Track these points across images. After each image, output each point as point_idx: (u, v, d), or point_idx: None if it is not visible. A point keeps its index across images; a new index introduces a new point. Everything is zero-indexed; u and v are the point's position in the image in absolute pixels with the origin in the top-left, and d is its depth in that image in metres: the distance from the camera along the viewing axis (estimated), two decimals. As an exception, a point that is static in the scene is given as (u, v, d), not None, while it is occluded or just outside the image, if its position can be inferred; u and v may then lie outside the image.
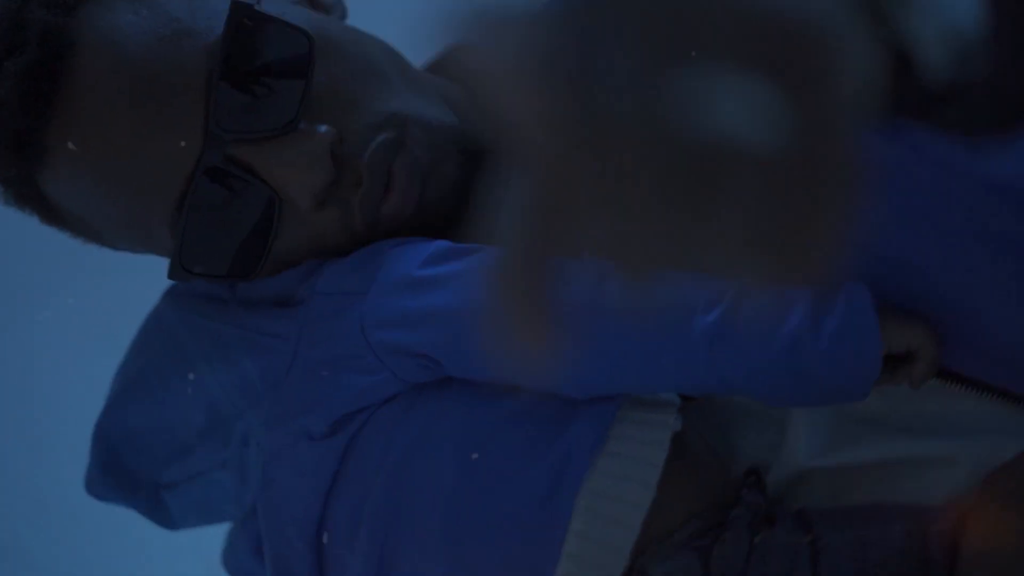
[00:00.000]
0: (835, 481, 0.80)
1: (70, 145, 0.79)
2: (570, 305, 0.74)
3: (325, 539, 0.80)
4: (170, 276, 0.82)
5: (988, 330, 0.74)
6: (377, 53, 0.85)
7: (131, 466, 0.86)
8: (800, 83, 0.35)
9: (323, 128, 0.79)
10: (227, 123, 0.78)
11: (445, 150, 0.83)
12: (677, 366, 0.74)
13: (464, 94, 0.90)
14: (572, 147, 0.35)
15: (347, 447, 0.78)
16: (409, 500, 0.77)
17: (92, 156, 0.79)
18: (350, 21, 0.92)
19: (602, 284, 0.74)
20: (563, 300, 0.74)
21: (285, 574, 0.81)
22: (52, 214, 0.85)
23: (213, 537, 0.89)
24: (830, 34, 0.36)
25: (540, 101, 0.35)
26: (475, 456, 0.76)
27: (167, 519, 0.87)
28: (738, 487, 0.80)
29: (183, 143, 0.78)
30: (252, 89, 0.79)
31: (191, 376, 0.83)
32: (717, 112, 0.35)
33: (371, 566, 0.78)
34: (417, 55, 0.93)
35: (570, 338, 0.73)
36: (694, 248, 0.36)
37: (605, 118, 0.35)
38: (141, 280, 0.88)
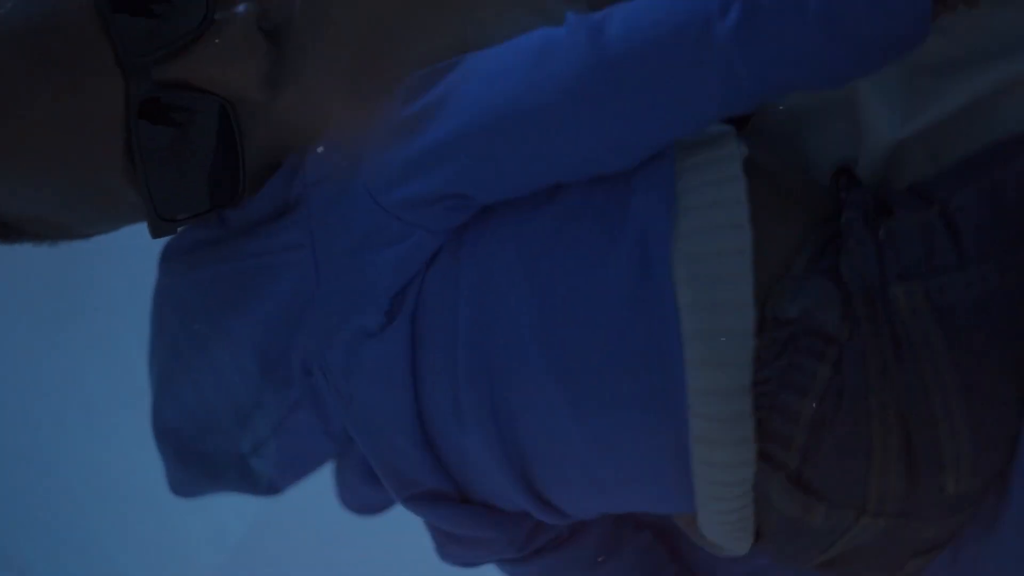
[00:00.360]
0: (932, 142, 0.73)
1: None
2: (575, 70, 0.66)
3: (430, 433, 0.73)
4: (154, 235, 0.74)
5: None
6: None
7: (206, 449, 0.79)
8: None
9: (241, 8, 0.71)
10: (139, 48, 0.70)
11: None
12: (713, 86, 0.66)
13: None
14: None
15: (412, 325, 0.71)
16: (500, 341, 0.70)
17: (17, 148, 0.72)
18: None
19: (598, 36, 0.67)
20: (566, 68, 0.66)
21: (406, 486, 0.74)
22: (4, 230, 0.77)
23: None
24: None
25: None
26: (547, 264, 0.69)
27: (266, 486, 0.80)
28: (834, 192, 0.72)
29: (102, 87, 0.70)
30: (149, 5, 0.71)
31: (223, 331, 0.75)
32: None
33: (488, 431, 0.71)
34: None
35: (588, 105, 0.66)
36: None
37: None
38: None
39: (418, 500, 0.75)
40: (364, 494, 0.78)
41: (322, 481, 0.83)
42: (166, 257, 0.77)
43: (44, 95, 0.70)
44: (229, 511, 1.94)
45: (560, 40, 0.68)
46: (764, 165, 0.72)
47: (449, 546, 0.79)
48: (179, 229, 0.75)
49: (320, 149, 0.72)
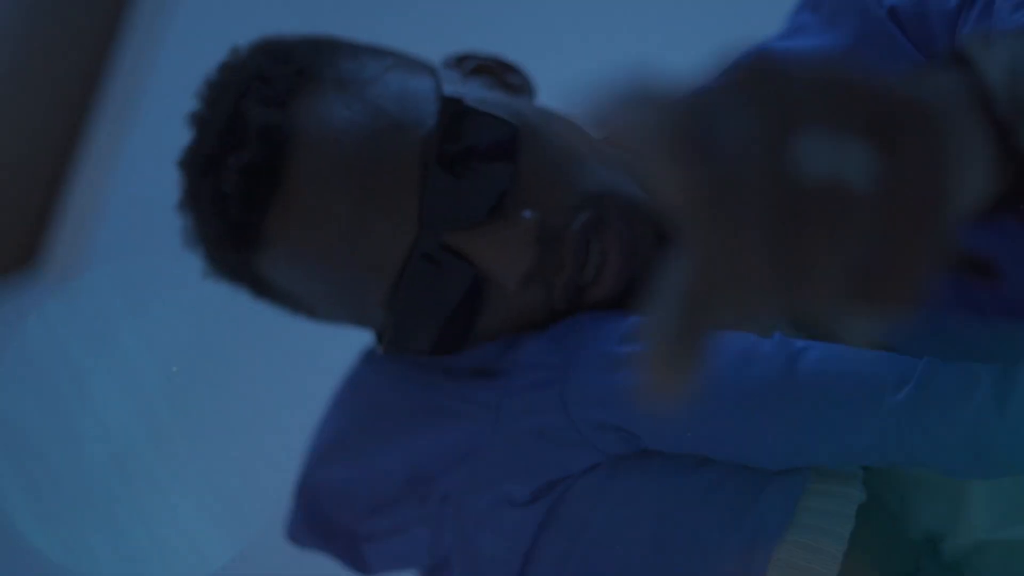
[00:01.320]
0: (1013, 553, 0.82)
1: (290, 236, 0.84)
2: (764, 381, 0.78)
3: None
4: (386, 351, 0.87)
5: None
6: (571, 133, 0.88)
7: (332, 517, 0.91)
8: (907, 150, 0.42)
9: (527, 213, 0.83)
10: (439, 212, 0.82)
11: (642, 225, 0.86)
12: (867, 443, 0.77)
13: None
14: (706, 202, 0.40)
15: (548, 512, 0.82)
16: (609, 565, 0.81)
17: (311, 245, 0.84)
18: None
19: (794, 361, 0.79)
20: (758, 377, 0.77)
21: None
22: (264, 291, 0.90)
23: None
24: (939, 116, 0.43)
25: (678, 168, 0.40)
26: (677, 523, 0.80)
27: (363, 566, 0.92)
28: (917, 555, 0.83)
29: (399, 232, 0.82)
30: (461, 178, 0.83)
31: (395, 438, 0.87)
32: (829, 166, 0.41)
33: None
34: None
35: (763, 412, 0.77)
36: (808, 284, 0.41)
37: (733, 175, 0.40)
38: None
39: None
40: None
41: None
42: (375, 357, 0.91)
43: (353, 216, 0.82)
44: (215, 542, 2.00)
45: (764, 352, 0.79)
46: (874, 514, 0.82)
47: None
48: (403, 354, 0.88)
49: (539, 341, 0.85)
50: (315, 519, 0.91)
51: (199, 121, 0.88)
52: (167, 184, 0.92)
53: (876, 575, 0.81)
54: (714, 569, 0.79)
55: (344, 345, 0.99)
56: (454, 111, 0.83)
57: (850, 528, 0.79)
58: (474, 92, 0.87)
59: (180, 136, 0.90)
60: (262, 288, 0.90)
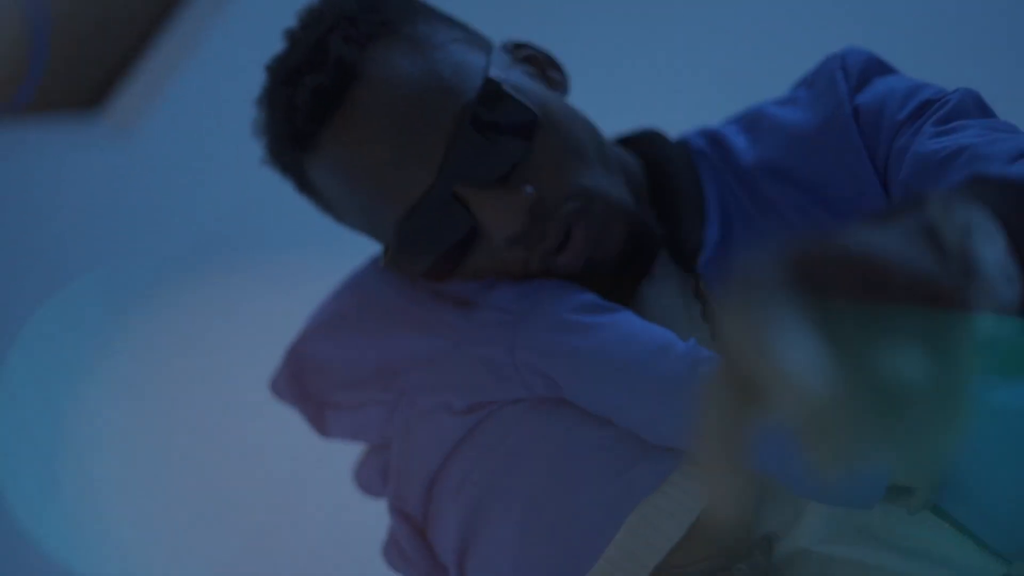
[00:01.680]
0: (824, 567, 0.98)
1: (337, 151, 1.01)
2: (669, 374, 0.96)
3: (435, 488, 1.03)
4: (386, 266, 1.06)
5: (986, 495, 0.93)
6: (583, 133, 1.06)
7: (310, 382, 1.09)
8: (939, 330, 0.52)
9: (528, 189, 1.01)
10: (459, 166, 1.00)
11: (616, 225, 1.04)
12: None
13: (640, 169, 1.13)
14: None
15: (474, 426, 1.01)
16: (507, 481, 0.99)
17: (351, 163, 1.01)
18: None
19: (698, 366, 0.94)
20: (666, 369, 0.95)
21: (399, 502, 1.05)
22: (306, 187, 1.09)
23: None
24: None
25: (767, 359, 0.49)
26: (566, 466, 0.98)
27: (323, 429, 1.11)
28: (751, 547, 0.99)
29: (422, 172, 0.99)
30: (482, 145, 1.00)
31: (377, 333, 1.06)
32: (891, 358, 0.51)
33: (461, 519, 1.01)
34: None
35: (659, 399, 0.95)
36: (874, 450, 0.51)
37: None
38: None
39: (395, 512, 1.06)
40: (371, 483, 1.10)
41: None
42: (379, 263, 1.09)
43: (391, 150, 1.00)
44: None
45: (678, 351, 0.96)
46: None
47: (392, 547, 1.09)
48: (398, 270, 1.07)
49: (509, 290, 1.03)
50: (296, 380, 1.09)
51: (292, 38, 1.06)
52: (239, 75, 1.08)
53: (713, 549, 0.98)
54: (586, 511, 0.97)
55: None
56: (492, 90, 1.01)
57: (700, 507, 0.96)
58: (516, 78, 1.04)
59: (263, 38, 1.06)
60: (304, 185, 1.09)
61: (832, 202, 1.02)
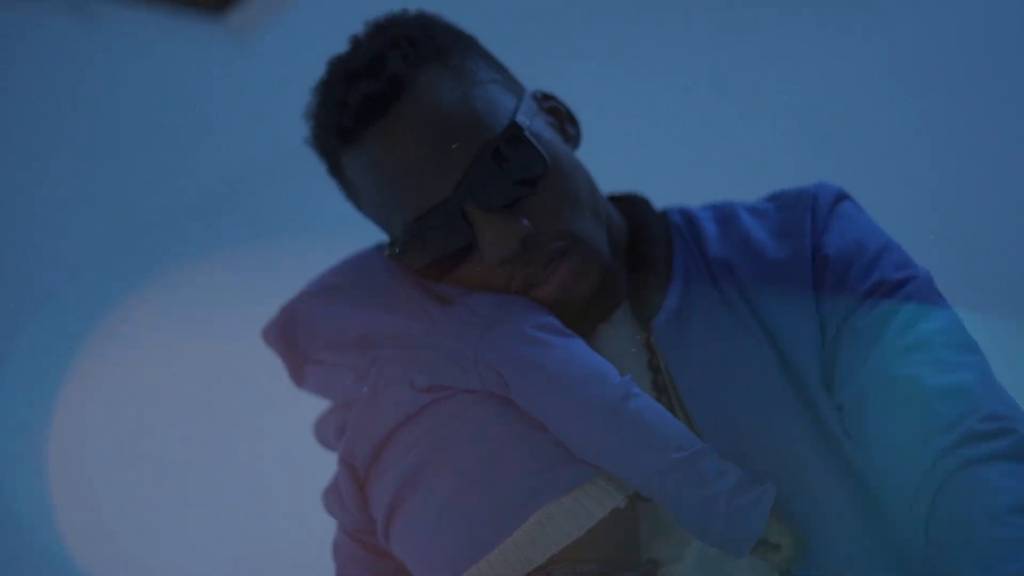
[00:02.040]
0: None
1: (372, 151, 1.17)
2: (601, 400, 1.14)
3: (383, 449, 1.16)
4: (387, 255, 1.21)
5: (838, 563, 1.07)
6: (582, 185, 1.21)
7: (297, 336, 1.23)
8: None
9: (525, 222, 1.15)
10: (472, 188, 1.15)
11: (592, 270, 1.19)
12: (644, 478, 1.09)
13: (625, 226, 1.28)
14: None
15: (430, 403, 1.15)
16: (446, 455, 1.13)
17: (384, 163, 1.16)
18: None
19: (627, 399, 1.10)
20: (598, 396, 1.14)
21: (348, 457, 1.19)
22: (338, 173, 1.24)
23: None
24: None
25: None
26: (499, 453, 1.12)
27: (300, 379, 1.25)
28: (638, 564, 1.14)
29: (439, 187, 1.14)
30: (496, 176, 1.15)
31: (365, 307, 1.20)
32: None
33: (399, 480, 1.14)
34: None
35: (588, 421, 1.13)
36: None
37: None
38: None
39: (343, 463, 1.19)
40: (328, 439, 1.24)
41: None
42: (383, 249, 1.23)
43: (418, 160, 1.15)
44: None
45: (613, 381, 1.10)
46: (627, 520, 1.13)
47: (332, 492, 1.22)
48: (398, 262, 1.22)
49: (487, 299, 1.17)
50: (285, 331, 1.23)
51: (356, 44, 1.23)
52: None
53: (602, 554, 1.10)
54: (505, 497, 1.10)
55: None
56: (515, 133, 1.16)
57: (600, 515, 1.10)
58: (537, 126, 1.20)
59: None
60: (336, 171, 1.24)
61: (765, 322, 1.18)
